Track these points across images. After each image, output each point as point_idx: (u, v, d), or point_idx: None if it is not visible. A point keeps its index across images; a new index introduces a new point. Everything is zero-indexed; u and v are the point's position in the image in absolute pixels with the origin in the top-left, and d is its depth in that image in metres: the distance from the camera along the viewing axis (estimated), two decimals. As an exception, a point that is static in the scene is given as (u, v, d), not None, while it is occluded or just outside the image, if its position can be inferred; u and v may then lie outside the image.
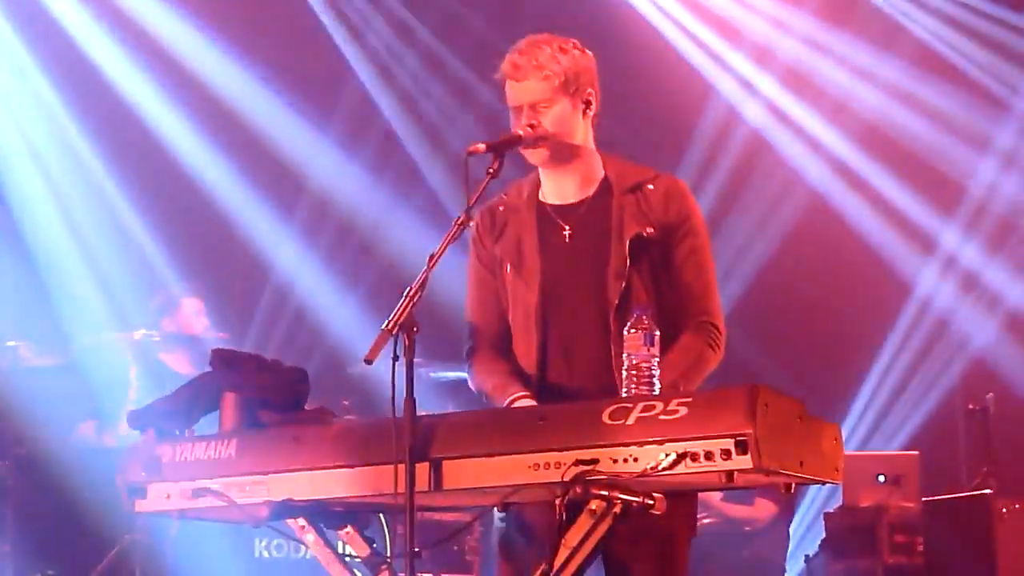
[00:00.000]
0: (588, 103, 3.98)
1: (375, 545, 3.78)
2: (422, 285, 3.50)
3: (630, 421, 3.28)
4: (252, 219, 9.50)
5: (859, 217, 9.70)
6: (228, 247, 9.44)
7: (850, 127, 9.70)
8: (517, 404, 3.82)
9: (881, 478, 7.80)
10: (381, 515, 3.74)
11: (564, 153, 3.97)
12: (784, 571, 8.09)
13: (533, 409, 3.71)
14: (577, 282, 3.95)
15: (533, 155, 3.97)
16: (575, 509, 3.35)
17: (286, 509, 3.65)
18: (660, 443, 3.24)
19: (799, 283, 9.49)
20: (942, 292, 9.63)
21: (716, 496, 7.70)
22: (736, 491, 6.69)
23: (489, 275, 4.08)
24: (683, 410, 3.24)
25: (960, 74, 9.64)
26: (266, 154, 9.49)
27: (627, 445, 3.26)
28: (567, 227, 4.00)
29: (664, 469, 3.21)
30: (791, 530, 8.28)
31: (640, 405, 3.30)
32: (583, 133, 3.99)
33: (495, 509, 3.58)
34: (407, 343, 3.43)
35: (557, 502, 3.30)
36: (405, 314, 3.44)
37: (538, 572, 3.38)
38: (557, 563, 3.38)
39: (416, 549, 3.40)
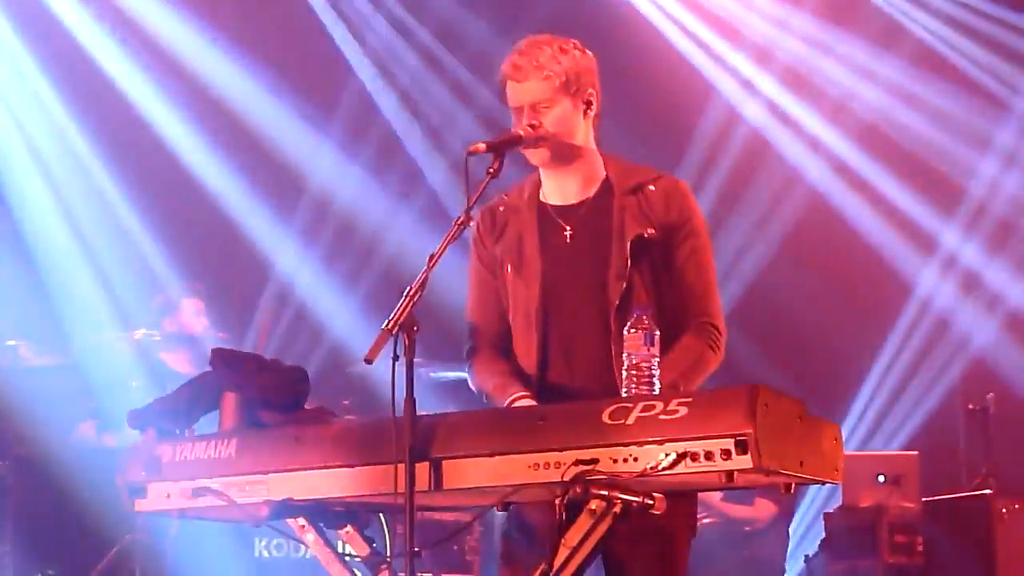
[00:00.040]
0: (589, 103, 3.98)
1: (375, 545, 3.78)
2: (422, 285, 3.50)
3: (630, 421, 3.28)
4: (253, 219, 9.51)
5: (859, 217, 9.70)
6: (228, 247, 9.45)
7: (850, 127, 9.70)
8: (517, 404, 3.82)
9: (881, 478, 7.80)
10: (381, 515, 3.74)
11: (565, 153, 3.97)
12: (784, 571, 8.09)
13: (533, 409, 3.71)
14: (578, 282, 3.95)
15: (534, 155, 3.97)
16: (575, 509, 3.35)
17: (286, 508, 3.65)
18: (660, 443, 3.24)
19: (799, 283, 9.49)
20: (942, 292, 9.63)
21: (716, 496, 7.70)
22: (736, 491, 6.70)
23: (489, 275, 4.08)
24: (683, 410, 3.24)
25: (960, 74, 9.64)
26: (266, 154, 9.49)
27: (627, 445, 3.26)
28: (568, 227, 4.00)
29: (664, 469, 3.21)
30: (791, 530, 8.28)
31: (640, 405, 3.30)
32: (584, 133, 3.99)
33: (495, 509, 3.57)
34: (407, 343, 3.43)
35: (557, 502, 3.30)
36: (405, 314, 3.44)
37: (538, 572, 3.39)
38: (557, 563, 3.38)
39: (416, 549, 3.40)
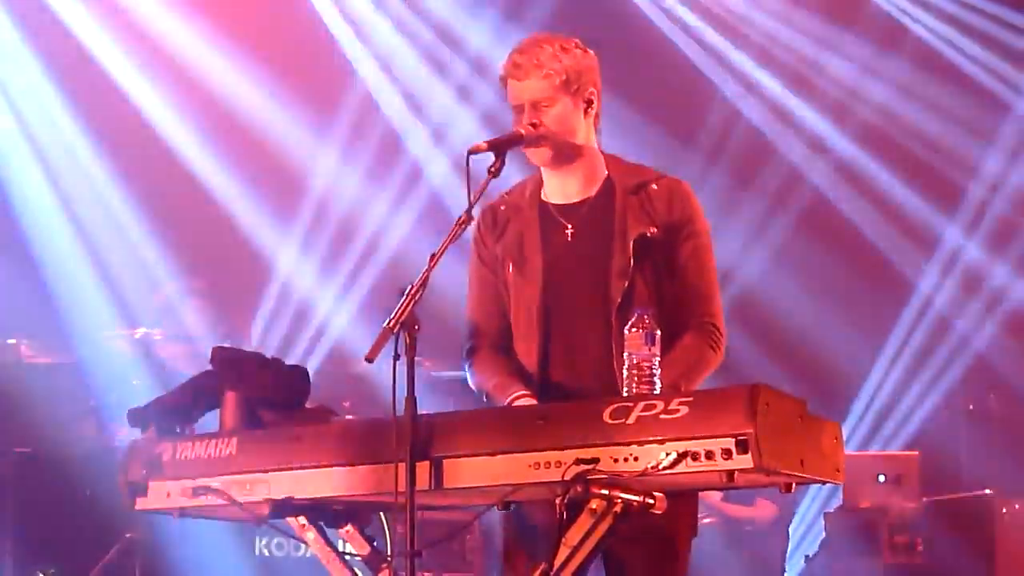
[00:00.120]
0: (590, 102, 3.98)
1: (375, 543, 3.78)
2: (423, 284, 3.50)
3: (631, 420, 3.28)
4: (253, 218, 9.50)
5: (860, 216, 9.70)
6: (229, 246, 9.44)
7: (852, 126, 9.70)
8: (518, 403, 3.82)
9: (882, 478, 7.81)
10: (381, 514, 3.74)
11: (566, 152, 3.97)
12: (784, 571, 8.10)
13: (534, 408, 3.71)
14: (579, 281, 3.94)
15: (535, 154, 3.97)
16: (576, 508, 3.35)
17: (287, 507, 3.66)
18: (661, 442, 3.24)
19: (800, 282, 9.49)
20: (943, 291, 9.63)
21: (716, 496, 7.71)
22: (737, 491, 6.70)
23: (490, 274, 4.07)
24: (684, 409, 3.24)
25: (961, 73, 9.63)
26: (267, 153, 9.48)
27: (628, 444, 3.26)
28: (569, 226, 4.00)
29: (665, 468, 3.21)
30: (791, 530, 8.29)
31: (641, 404, 3.30)
32: (585, 132, 3.99)
33: (496, 508, 3.57)
34: (408, 341, 3.43)
35: (557, 501, 3.30)
36: (406, 312, 3.44)
37: (539, 571, 3.39)
38: (557, 562, 3.38)
39: (416, 548, 3.39)
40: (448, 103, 9.73)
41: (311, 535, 3.76)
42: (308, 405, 3.89)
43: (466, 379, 4.08)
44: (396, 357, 3.41)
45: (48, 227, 9.14)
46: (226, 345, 4.18)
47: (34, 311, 8.39)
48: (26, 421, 7.44)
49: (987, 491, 7.78)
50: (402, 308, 3.45)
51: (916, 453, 8.19)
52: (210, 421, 3.92)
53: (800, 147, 9.83)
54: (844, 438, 3.49)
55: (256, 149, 9.46)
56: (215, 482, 3.70)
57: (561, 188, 4.03)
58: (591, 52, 4.01)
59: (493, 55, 8.69)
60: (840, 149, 9.77)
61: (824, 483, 3.50)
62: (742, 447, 3.16)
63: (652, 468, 3.23)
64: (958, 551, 7.55)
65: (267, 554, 7.05)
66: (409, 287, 3.49)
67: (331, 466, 3.58)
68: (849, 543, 7.79)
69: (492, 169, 3.77)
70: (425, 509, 3.86)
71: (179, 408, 3.89)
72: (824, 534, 8.06)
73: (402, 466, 3.37)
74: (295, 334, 9.45)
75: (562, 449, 3.32)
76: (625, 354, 3.51)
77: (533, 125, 3.90)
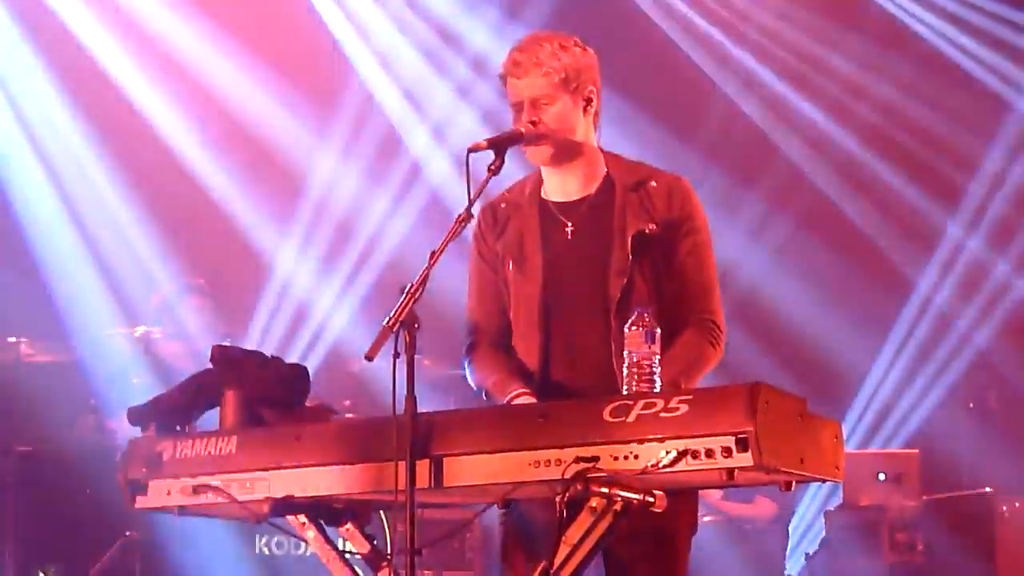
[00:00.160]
0: (589, 100, 3.98)
1: (376, 542, 3.78)
2: (423, 282, 3.50)
3: (631, 418, 3.28)
4: (252, 216, 9.50)
5: (861, 214, 9.69)
6: (229, 244, 9.44)
7: (853, 124, 9.69)
8: (517, 401, 3.82)
9: (882, 476, 7.81)
10: (382, 512, 3.74)
11: (566, 151, 3.97)
12: (784, 569, 8.10)
13: (534, 406, 3.71)
14: (579, 279, 3.95)
15: (535, 153, 3.97)
16: (576, 506, 3.35)
17: (287, 506, 3.65)
18: (661, 440, 3.24)
19: (800, 280, 9.49)
20: (943, 290, 9.62)
21: (716, 495, 7.71)
22: (736, 490, 6.70)
23: (491, 271, 4.08)
24: (684, 407, 3.24)
25: (962, 71, 9.63)
26: (266, 152, 9.49)
27: (628, 442, 3.26)
28: (569, 224, 4.00)
29: (665, 466, 3.21)
30: (791, 528, 8.29)
31: (641, 402, 3.30)
32: (584, 130, 3.99)
33: (496, 506, 3.57)
34: (408, 340, 3.43)
35: (558, 499, 3.30)
36: (406, 311, 3.44)
37: (539, 569, 3.39)
38: (557, 560, 3.38)
39: (417, 546, 3.39)
40: (448, 101, 9.73)
41: (311, 533, 3.76)
42: (308, 403, 3.89)
43: (465, 376, 4.08)
44: (396, 355, 3.41)
45: (48, 226, 9.14)
46: (226, 344, 4.18)
47: (34, 310, 8.40)
48: (26, 420, 7.44)
49: (987, 490, 7.78)
50: (402, 306, 3.45)
51: (916, 452, 8.19)
52: (210, 420, 3.92)
53: (800, 145, 9.83)
54: (844, 436, 3.49)
55: (255, 147, 9.46)
56: (215, 480, 3.70)
57: (561, 186, 4.03)
58: (590, 50, 4.01)
59: (493, 53, 8.70)
60: (840, 147, 9.76)
61: (824, 481, 3.51)
62: (742, 445, 3.16)
63: (652, 466, 3.23)
64: (958, 549, 7.56)
65: (267, 552, 7.06)
66: (409, 285, 3.49)
67: (331, 464, 3.58)
68: (849, 541, 7.80)
69: (492, 167, 3.77)
70: (425, 507, 3.86)
71: (179, 407, 3.89)
72: (824, 532, 8.06)
73: (402, 464, 3.37)
74: (294, 333, 9.44)
75: (562, 447, 3.32)
76: (625, 352, 3.51)
77: (533, 123, 3.90)
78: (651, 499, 3.28)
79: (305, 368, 3.93)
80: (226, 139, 9.45)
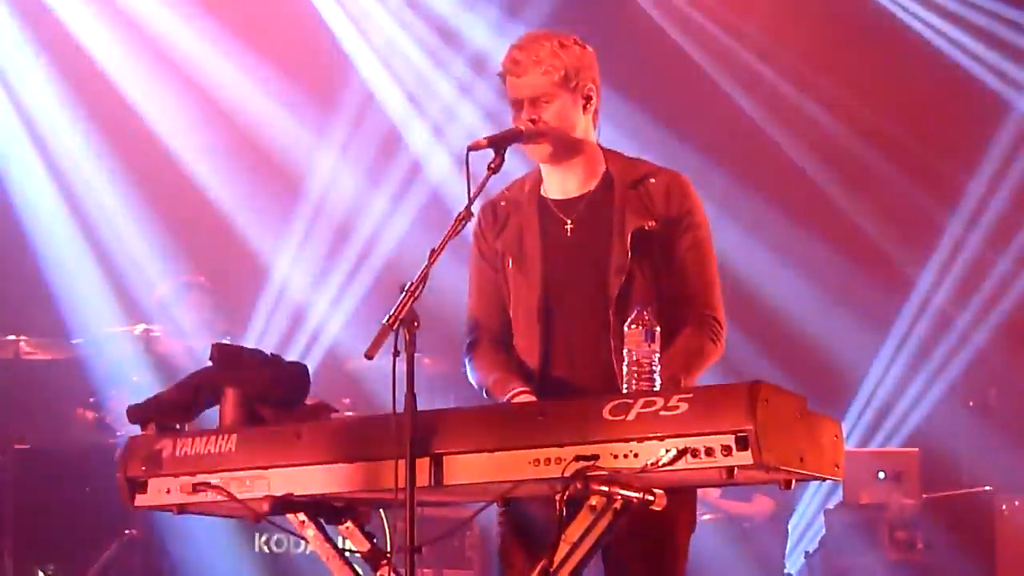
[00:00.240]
0: (589, 98, 3.98)
1: (375, 540, 3.78)
2: (423, 280, 3.50)
3: (631, 417, 3.27)
4: (253, 214, 9.50)
5: (860, 213, 9.69)
6: (229, 242, 9.44)
7: (853, 123, 9.69)
8: (517, 400, 3.82)
9: (881, 475, 7.81)
10: (381, 510, 3.74)
11: (565, 148, 3.96)
12: (784, 567, 8.10)
13: (534, 404, 3.71)
14: (578, 276, 3.95)
15: (535, 151, 3.97)
16: (575, 505, 3.35)
17: (286, 504, 3.65)
18: (661, 439, 3.23)
19: (800, 279, 9.49)
20: (943, 288, 9.62)
21: (714, 492, 7.70)
22: (734, 487, 6.70)
23: (491, 269, 4.08)
24: (684, 406, 3.24)
25: (962, 70, 9.63)
26: (266, 152, 9.48)
27: (628, 441, 3.26)
28: (569, 221, 4.00)
29: (665, 465, 3.21)
30: (791, 526, 8.29)
31: (641, 401, 3.30)
32: (584, 128, 3.99)
33: (496, 505, 3.57)
34: (407, 338, 3.43)
35: (557, 498, 3.30)
36: (406, 309, 3.44)
37: (539, 568, 3.38)
38: (557, 559, 3.38)
39: (416, 545, 3.39)
40: (447, 100, 9.73)
41: (311, 532, 3.75)
42: (308, 402, 3.89)
43: (465, 375, 4.08)
44: (396, 354, 3.41)
45: (48, 224, 9.14)
46: (226, 342, 4.18)
47: (34, 308, 8.40)
48: (25, 418, 7.45)
49: (987, 488, 7.79)
50: (401, 305, 3.44)
51: (916, 450, 8.20)
52: (210, 418, 3.91)
53: (800, 143, 9.82)
54: (844, 435, 3.49)
55: (255, 146, 9.46)
56: (215, 478, 3.69)
57: (560, 184, 4.03)
58: (589, 48, 4.01)
59: (493, 51, 8.69)
60: (840, 145, 9.76)
61: (824, 480, 3.50)
62: (742, 443, 3.16)
63: (652, 465, 3.22)
64: (958, 548, 7.56)
65: (267, 551, 7.06)
66: (409, 284, 3.49)
67: (331, 463, 3.58)
68: (849, 540, 7.80)
69: (492, 165, 3.77)
70: (425, 505, 3.86)
71: (179, 405, 3.89)
72: (824, 531, 8.07)
73: (402, 463, 3.37)
74: (292, 332, 9.43)
75: (562, 446, 3.32)
76: (625, 351, 3.51)
77: (532, 121, 3.90)
78: (651, 497, 3.28)
79: (305, 366, 3.93)
80: (225, 138, 9.45)
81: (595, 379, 3.83)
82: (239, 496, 3.66)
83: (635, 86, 8.84)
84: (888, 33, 9.66)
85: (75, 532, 7.03)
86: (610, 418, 3.29)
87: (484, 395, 3.98)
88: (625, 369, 3.49)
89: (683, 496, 3.75)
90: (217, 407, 3.85)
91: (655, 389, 3.44)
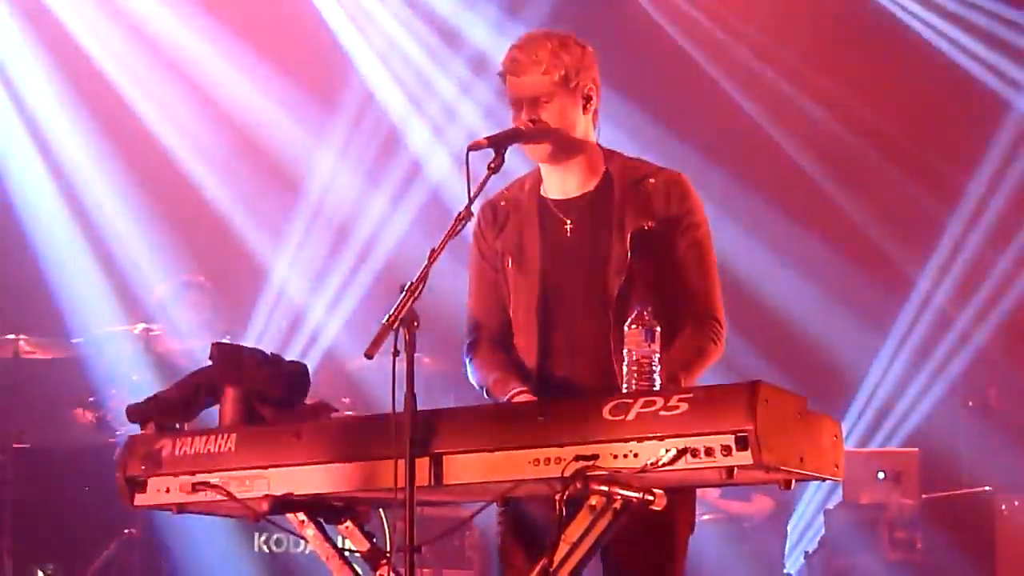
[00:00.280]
0: (589, 98, 3.98)
1: (375, 540, 3.77)
2: (423, 280, 3.50)
3: (630, 417, 3.27)
4: (253, 213, 9.50)
5: (861, 212, 9.70)
6: (229, 241, 9.44)
7: (852, 120, 9.69)
8: (517, 400, 3.82)
9: (881, 475, 7.81)
10: (381, 510, 3.74)
11: (565, 148, 3.96)
12: (783, 567, 8.10)
13: (533, 404, 3.71)
14: (578, 276, 3.95)
15: (534, 151, 3.97)
16: (575, 505, 3.35)
17: (286, 503, 3.65)
18: (660, 439, 3.23)
19: (800, 279, 9.49)
20: (943, 288, 9.62)
21: (713, 492, 7.70)
22: (734, 487, 6.69)
23: (491, 269, 4.08)
24: (684, 406, 3.24)
25: (961, 70, 9.63)
26: (265, 152, 9.49)
27: (627, 441, 3.26)
28: (568, 221, 3.99)
29: (664, 465, 3.21)
30: (791, 526, 8.29)
31: (641, 401, 3.29)
32: (584, 128, 3.99)
33: (495, 504, 3.57)
34: (407, 338, 3.42)
35: (557, 498, 3.29)
36: (406, 309, 3.44)
37: (538, 568, 3.38)
38: (557, 559, 3.38)
39: (416, 544, 3.39)
40: (447, 100, 9.72)
41: (310, 531, 3.75)
42: (308, 402, 3.89)
43: (465, 374, 4.08)
44: (395, 353, 3.41)
45: (49, 223, 9.14)
46: (226, 341, 4.18)
47: (34, 307, 8.40)
48: (25, 417, 7.44)
49: (986, 488, 7.79)
50: (401, 304, 3.44)
51: (915, 450, 8.20)
52: (210, 418, 3.91)
53: (800, 143, 9.82)
54: (844, 435, 3.49)
55: (254, 146, 9.46)
56: (214, 478, 3.69)
57: (560, 184, 4.03)
58: (589, 48, 4.00)
59: (493, 51, 8.69)
60: (840, 144, 9.76)
61: (824, 480, 3.50)
62: (742, 444, 3.16)
63: (652, 464, 3.22)
64: (957, 548, 7.56)
65: (266, 550, 7.06)
66: (409, 283, 3.48)
67: (330, 462, 3.58)
68: (849, 540, 7.80)
69: (492, 165, 3.77)
70: (424, 505, 3.86)
71: (179, 404, 3.89)
72: (824, 531, 8.06)
73: (401, 462, 3.37)
74: (291, 332, 9.43)
75: (561, 446, 3.31)
76: (625, 351, 3.51)
77: (532, 121, 3.90)
78: (651, 497, 3.28)
79: (305, 366, 3.93)
80: (225, 137, 9.45)
81: (595, 379, 3.83)
82: (239, 496, 3.66)
83: (635, 86, 8.84)
84: (888, 33, 9.65)
85: (75, 532, 7.03)
86: (610, 418, 3.29)
87: (484, 395, 3.98)
88: (625, 369, 3.49)
89: (683, 496, 3.76)
90: (217, 407, 3.85)
91: (655, 389, 3.44)
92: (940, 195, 9.61)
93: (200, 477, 3.71)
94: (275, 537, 7.01)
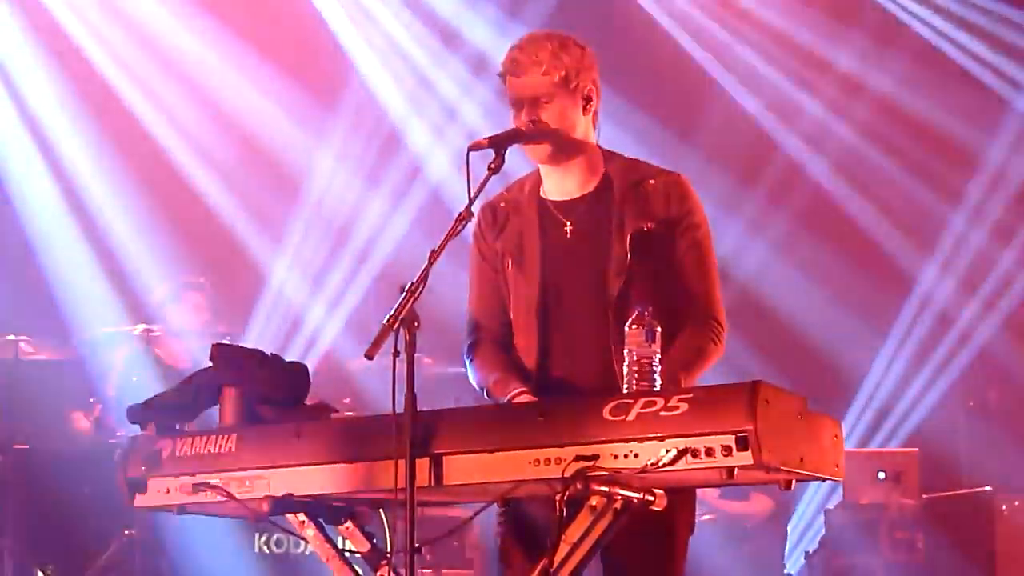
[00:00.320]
0: (589, 99, 3.97)
1: (375, 540, 3.77)
2: (423, 280, 3.50)
3: (631, 417, 3.27)
4: (252, 214, 9.50)
5: (861, 212, 9.70)
6: (228, 243, 9.44)
7: (853, 120, 9.69)
8: (517, 400, 3.82)
9: (881, 475, 7.81)
10: (381, 510, 3.74)
11: (565, 149, 3.96)
12: (783, 567, 8.10)
13: (534, 405, 3.71)
14: (578, 277, 3.94)
15: (534, 151, 3.97)
16: (575, 505, 3.35)
17: (286, 504, 3.65)
18: (661, 439, 3.23)
19: (800, 279, 9.48)
20: (943, 288, 9.62)
21: (712, 492, 7.70)
22: (731, 487, 6.69)
23: (491, 270, 4.08)
24: (684, 406, 3.24)
25: (961, 68, 9.63)
26: (264, 152, 9.48)
27: (628, 441, 3.26)
28: (568, 223, 3.99)
29: (665, 465, 3.21)
30: (792, 526, 8.29)
31: (641, 401, 3.29)
32: (584, 129, 3.99)
33: (496, 505, 3.57)
34: (408, 338, 3.42)
35: (557, 498, 3.30)
36: (406, 309, 3.44)
37: (538, 568, 3.38)
38: (557, 559, 3.38)
39: (416, 545, 3.39)
40: (447, 100, 9.72)
41: (311, 532, 3.76)
42: (308, 402, 3.89)
43: (465, 375, 4.08)
44: (396, 354, 3.41)
45: (49, 224, 9.14)
46: (226, 342, 4.18)
47: (34, 308, 8.39)
48: (25, 418, 7.44)
49: (987, 488, 7.78)
50: (402, 305, 3.44)
51: (916, 450, 8.20)
52: (210, 418, 3.91)
53: (801, 142, 9.82)
54: (844, 435, 3.49)
55: (254, 146, 9.46)
56: (214, 479, 3.69)
57: (560, 185, 4.03)
58: (589, 49, 4.00)
59: (493, 51, 8.69)
60: (841, 143, 9.76)
61: (824, 480, 3.50)
62: (742, 444, 3.16)
63: (652, 465, 3.22)
64: (958, 548, 7.56)
65: (266, 551, 7.06)
66: (409, 284, 3.48)
67: (331, 463, 3.58)
68: (849, 540, 7.80)
69: (492, 165, 3.77)
70: (425, 506, 3.86)
71: (179, 405, 3.89)
72: (824, 531, 8.06)
73: (402, 463, 3.37)
74: (291, 334, 9.43)
75: (562, 446, 3.32)
76: (625, 351, 3.51)
77: (533, 122, 3.90)
78: (651, 498, 3.28)
79: (305, 366, 3.93)
80: (225, 137, 9.44)
81: (595, 380, 3.83)
82: (239, 496, 3.66)
83: (635, 86, 8.83)
84: (888, 32, 9.65)
85: (75, 532, 7.03)
86: (610, 418, 3.29)
87: (484, 395, 3.98)
88: (625, 369, 3.49)
89: (683, 496, 3.76)
90: (217, 407, 3.85)
91: (655, 389, 3.44)
92: (941, 195, 9.60)
93: (200, 478, 3.71)
94: (275, 537, 7.01)
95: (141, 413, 3.88)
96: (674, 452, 3.21)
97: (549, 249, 3.98)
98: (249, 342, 8.47)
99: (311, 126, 9.57)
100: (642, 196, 3.95)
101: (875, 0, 9.69)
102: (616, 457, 3.27)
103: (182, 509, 3.83)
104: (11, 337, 7.62)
